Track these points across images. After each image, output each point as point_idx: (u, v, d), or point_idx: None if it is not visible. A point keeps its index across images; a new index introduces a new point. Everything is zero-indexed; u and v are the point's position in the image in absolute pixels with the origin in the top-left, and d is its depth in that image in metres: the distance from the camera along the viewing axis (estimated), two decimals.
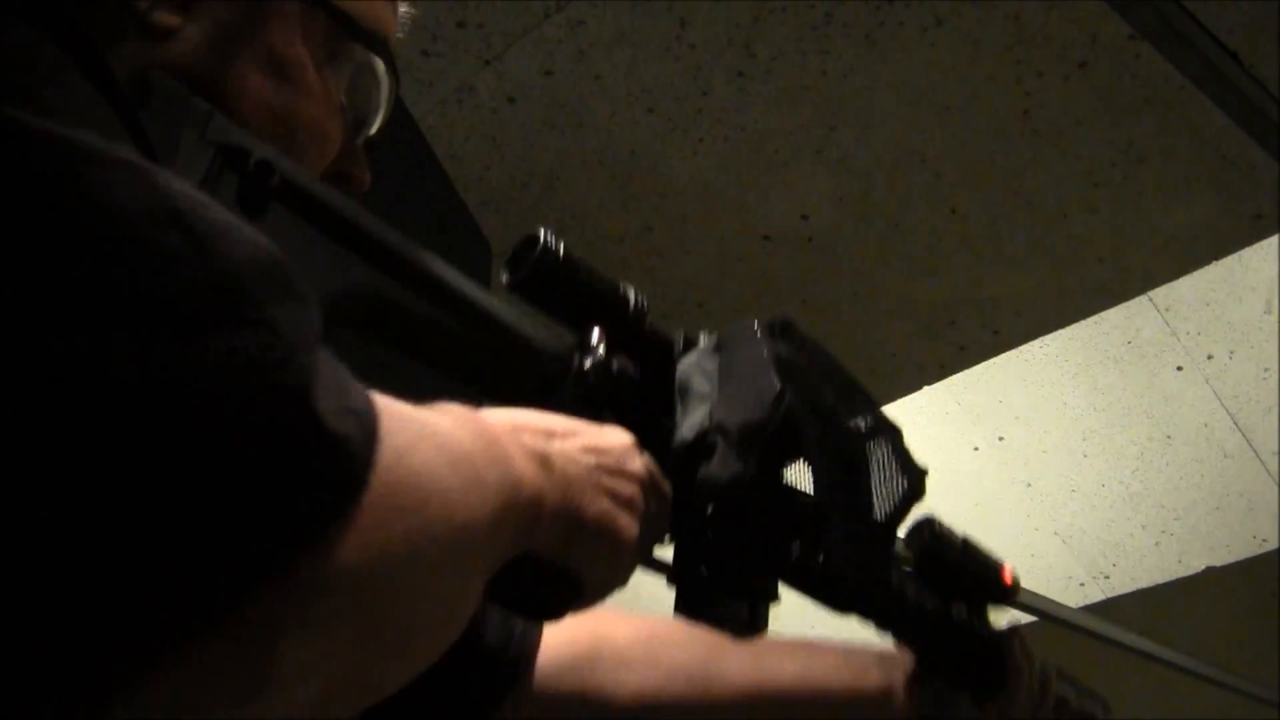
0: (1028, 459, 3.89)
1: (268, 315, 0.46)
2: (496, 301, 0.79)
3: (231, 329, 0.45)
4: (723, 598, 0.83)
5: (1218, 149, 2.46)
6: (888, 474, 0.89)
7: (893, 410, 0.92)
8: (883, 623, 0.99)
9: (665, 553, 0.83)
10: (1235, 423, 3.73)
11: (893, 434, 0.92)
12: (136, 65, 0.70)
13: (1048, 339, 3.24)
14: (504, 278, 0.82)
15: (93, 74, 0.50)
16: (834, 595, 0.90)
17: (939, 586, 1.08)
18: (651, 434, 0.83)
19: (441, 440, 0.54)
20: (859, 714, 1.12)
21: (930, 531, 1.06)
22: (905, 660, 1.12)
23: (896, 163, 2.54)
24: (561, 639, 1.03)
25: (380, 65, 0.87)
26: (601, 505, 0.70)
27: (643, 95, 2.37)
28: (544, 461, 0.66)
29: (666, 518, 0.79)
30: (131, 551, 0.41)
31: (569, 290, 0.82)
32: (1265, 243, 2.82)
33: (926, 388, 3.21)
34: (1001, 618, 1.15)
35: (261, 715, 0.46)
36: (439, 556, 0.52)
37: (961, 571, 1.09)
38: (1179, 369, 3.68)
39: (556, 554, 0.69)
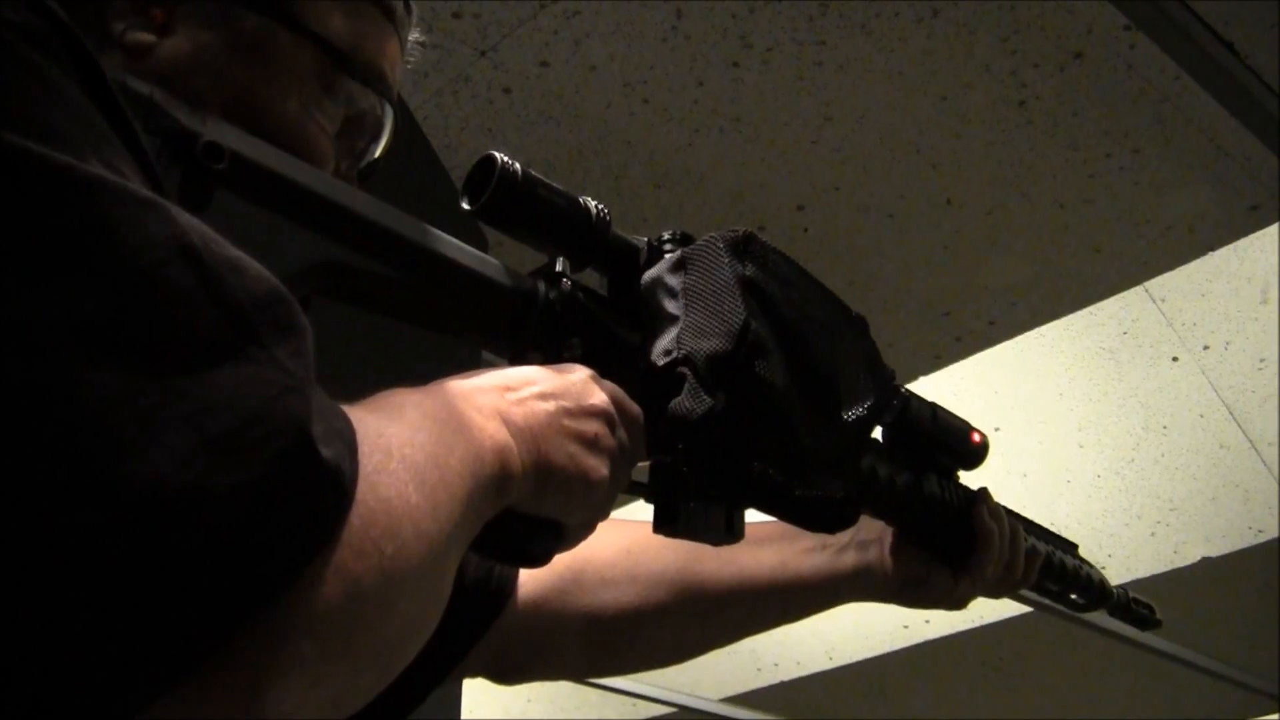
0: (1023, 449, 3.90)
1: (273, 351, 0.48)
2: (457, 247, 0.79)
3: (239, 363, 0.47)
4: (698, 510, 0.84)
5: (1214, 140, 2.46)
6: (856, 379, 0.91)
7: None
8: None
9: (640, 472, 0.85)
10: (1231, 413, 3.73)
11: (861, 338, 0.94)
12: None
13: (1044, 329, 3.25)
14: (463, 203, 0.82)
15: (98, 98, 0.51)
16: (802, 515, 0.92)
17: (911, 460, 1.12)
18: (619, 352, 0.85)
19: (406, 452, 0.55)
20: (839, 594, 1.16)
21: (902, 406, 1.09)
22: (883, 535, 1.15)
23: (892, 153, 2.54)
24: None
25: (374, 97, 0.85)
26: (568, 450, 0.71)
27: (638, 86, 2.36)
28: (506, 418, 0.68)
29: (640, 441, 0.80)
30: (129, 586, 0.42)
31: (530, 209, 0.82)
32: (1261, 233, 2.82)
33: (922, 378, 3.21)
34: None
35: None
36: (416, 572, 0.54)
37: (932, 443, 1.12)
38: (1175, 359, 3.68)
39: (532, 505, 0.71)
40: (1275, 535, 3.87)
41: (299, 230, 0.69)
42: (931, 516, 1.12)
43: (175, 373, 0.44)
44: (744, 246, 0.85)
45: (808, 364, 0.86)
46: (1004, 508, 1.19)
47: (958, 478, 1.18)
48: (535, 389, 0.72)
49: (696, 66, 2.33)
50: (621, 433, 0.77)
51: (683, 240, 0.88)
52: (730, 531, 0.85)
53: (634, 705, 5.04)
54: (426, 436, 0.58)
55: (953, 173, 2.58)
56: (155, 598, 0.42)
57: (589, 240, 0.85)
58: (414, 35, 0.91)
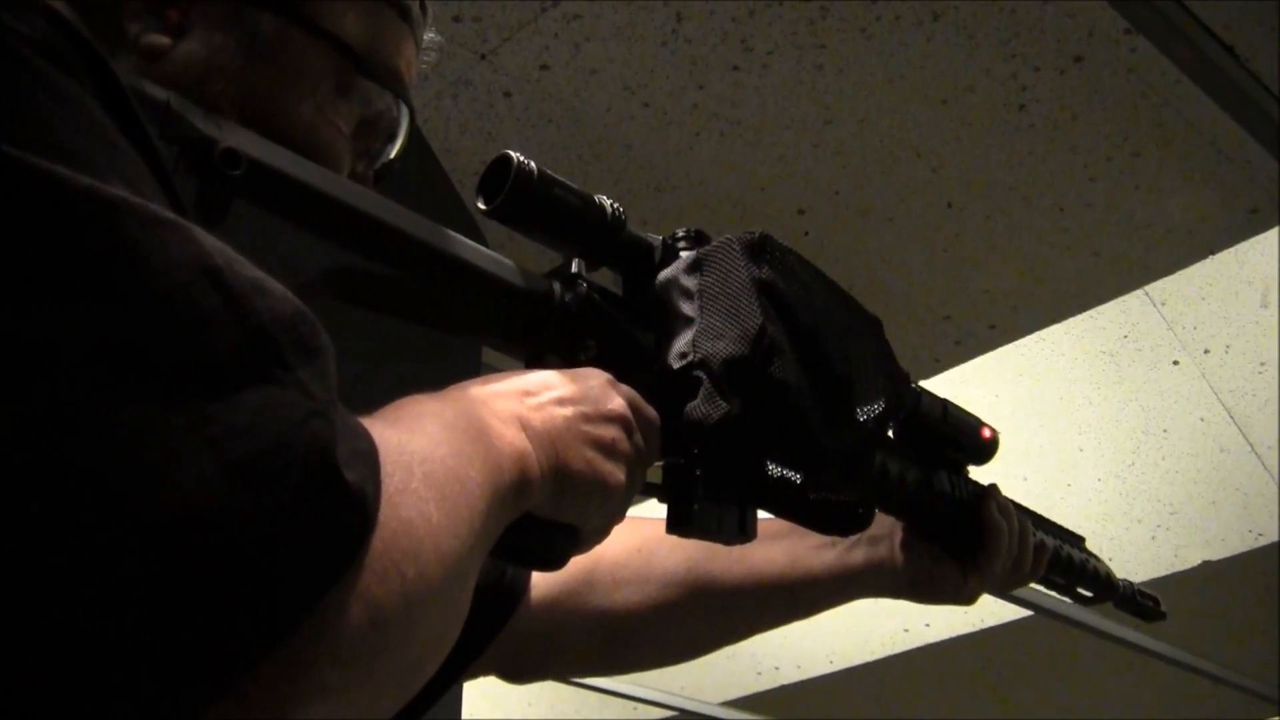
0: (1024, 453, 3.90)
1: (297, 373, 0.48)
2: (473, 249, 0.79)
3: (263, 386, 0.46)
4: (712, 510, 0.84)
5: (1214, 143, 2.46)
6: (871, 380, 0.91)
7: None
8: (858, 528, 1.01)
9: (653, 472, 0.85)
10: (1232, 417, 3.73)
11: (876, 339, 0.94)
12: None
13: (1044, 333, 3.24)
14: (479, 204, 0.82)
15: (115, 110, 0.50)
16: (817, 519, 0.92)
17: (921, 455, 1.12)
18: (634, 354, 0.85)
19: (428, 469, 0.55)
20: (850, 590, 1.16)
21: (913, 402, 1.09)
22: (893, 530, 1.15)
23: (892, 157, 2.54)
24: None
25: (390, 98, 0.85)
26: (586, 455, 0.72)
27: (638, 89, 2.36)
28: (525, 424, 0.68)
29: (655, 445, 0.80)
30: (151, 615, 0.41)
31: (546, 208, 0.82)
32: (1262, 237, 2.82)
33: (923, 382, 3.20)
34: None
35: None
36: (437, 592, 0.53)
37: (942, 439, 1.13)
38: (1175, 363, 3.68)
39: (550, 509, 0.71)
40: (1276, 539, 3.87)
41: (316, 236, 0.69)
42: (941, 512, 1.13)
43: (199, 396, 0.44)
44: (760, 248, 0.84)
45: (823, 366, 0.86)
46: (1012, 502, 1.19)
47: (967, 473, 1.18)
48: (554, 394, 0.72)
49: (697, 70, 2.33)
50: (638, 437, 0.77)
51: (697, 238, 0.88)
52: (743, 532, 0.85)
53: (634, 709, 5.04)
54: (447, 450, 0.58)
55: (953, 176, 2.58)
56: (177, 626, 0.42)
57: (604, 239, 0.85)
58: (429, 35, 0.90)
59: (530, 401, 0.70)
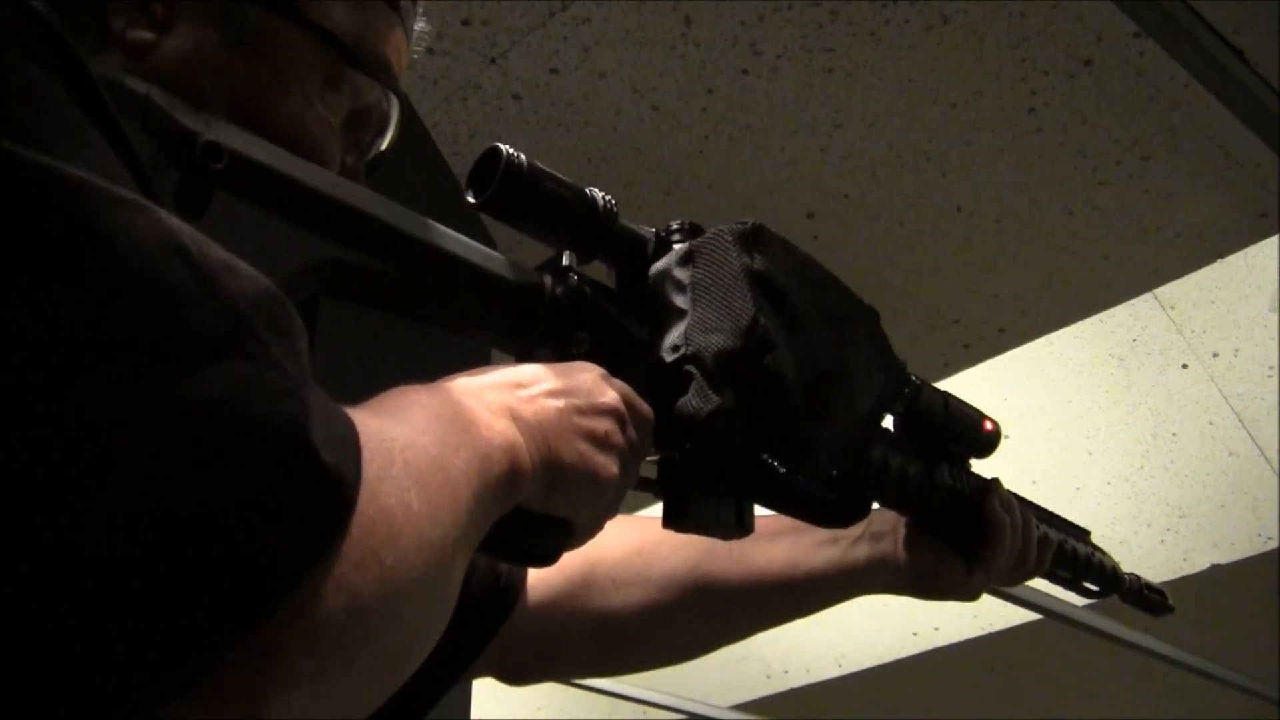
0: (1033, 457, 3.89)
1: (270, 348, 0.47)
2: (463, 243, 0.78)
3: (235, 360, 0.45)
4: (709, 505, 0.84)
5: (1223, 147, 2.46)
6: (867, 371, 0.91)
7: None
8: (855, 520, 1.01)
9: (648, 467, 0.84)
10: (1240, 420, 3.72)
11: (872, 329, 0.93)
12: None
13: (1053, 337, 3.24)
14: (468, 197, 0.81)
15: (85, 101, 0.50)
16: (811, 511, 0.91)
17: (923, 450, 1.11)
18: (627, 346, 0.84)
19: (409, 456, 0.54)
20: (853, 587, 1.15)
21: (914, 396, 1.08)
22: (896, 526, 1.14)
23: (901, 160, 2.54)
24: (554, 565, 1.06)
25: (380, 88, 0.84)
26: (578, 448, 0.71)
27: (647, 93, 2.37)
28: (515, 415, 0.67)
29: (649, 439, 0.79)
30: (120, 598, 0.41)
31: (536, 200, 0.82)
32: (1271, 240, 2.81)
33: None
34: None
35: None
36: (418, 581, 0.52)
37: (944, 432, 1.12)
38: (1184, 367, 3.67)
39: (542, 503, 0.70)
40: None
41: (302, 229, 0.68)
42: (944, 507, 1.12)
43: (170, 373, 0.43)
44: (752, 239, 0.84)
45: (817, 357, 0.85)
46: (1016, 496, 1.18)
47: (970, 467, 1.18)
48: (545, 386, 0.71)
49: (706, 74, 2.33)
50: (631, 431, 0.76)
51: (691, 231, 0.87)
52: (741, 525, 0.85)
53: (644, 712, 5.03)
54: (431, 439, 0.57)
55: (962, 180, 2.58)
56: (147, 610, 0.41)
57: (596, 231, 0.85)
58: (419, 24, 0.89)
59: (521, 393, 0.69)
